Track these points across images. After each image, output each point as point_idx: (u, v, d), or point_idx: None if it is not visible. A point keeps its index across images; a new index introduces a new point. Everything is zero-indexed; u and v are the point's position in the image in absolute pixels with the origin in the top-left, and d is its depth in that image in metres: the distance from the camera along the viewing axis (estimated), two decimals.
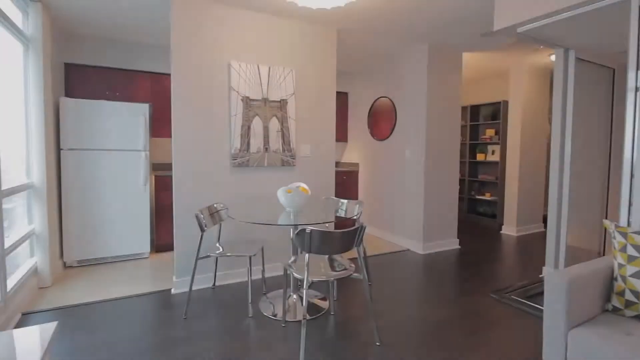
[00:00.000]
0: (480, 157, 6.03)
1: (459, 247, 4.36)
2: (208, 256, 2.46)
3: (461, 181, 6.35)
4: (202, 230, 2.42)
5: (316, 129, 3.45)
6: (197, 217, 2.42)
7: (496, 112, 5.88)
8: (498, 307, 2.67)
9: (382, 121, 4.72)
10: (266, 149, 3.17)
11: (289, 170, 3.32)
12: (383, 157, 4.72)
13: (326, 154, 3.52)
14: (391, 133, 4.55)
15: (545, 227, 5.47)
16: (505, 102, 5.64)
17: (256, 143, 3.12)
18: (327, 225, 3.01)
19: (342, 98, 5.37)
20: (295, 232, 1.97)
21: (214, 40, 2.93)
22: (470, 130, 6.16)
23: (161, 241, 3.96)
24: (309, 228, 1.92)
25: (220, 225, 2.89)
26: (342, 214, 2.95)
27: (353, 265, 2.28)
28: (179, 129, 2.84)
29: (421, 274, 3.39)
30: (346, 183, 5.11)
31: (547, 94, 5.19)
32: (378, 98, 4.79)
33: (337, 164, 5.68)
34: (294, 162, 3.31)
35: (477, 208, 6.24)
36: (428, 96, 3.99)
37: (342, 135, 5.42)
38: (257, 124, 3.11)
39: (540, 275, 3.33)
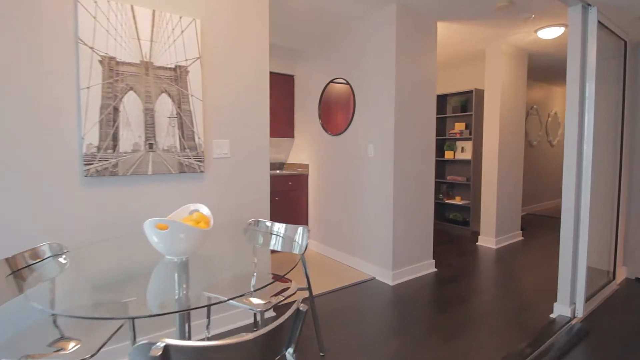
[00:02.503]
0: (448, 154, 5.22)
1: (436, 269, 3.43)
2: None
3: None
4: None
5: (239, 115, 2.27)
6: None
7: (467, 103, 5.10)
8: None
9: (336, 110, 3.66)
10: (150, 145, 1.93)
11: (193, 179, 2.11)
12: (339, 155, 3.66)
13: (257, 153, 2.36)
14: (349, 125, 3.50)
15: (524, 235, 4.77)
16: (479, 91, 4.86)
17: (131, 136, 1.87)
18: (245, 297, 1.88)
19: (286, 82, 4.23)
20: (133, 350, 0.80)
21: None
22: (436, 124, 5.33)
23: None
24: (161, 344, 0.77)
25: (54, 281, 1.61)
26: (277, 246, 1.85)
27: None
28: None
29: (395, 323, 2.36)
30: (292, 190, 3.98)
31: (524, 82, 4.46)
32: (331, 80, 3.71)
33: (282, 165, 4.53)
34: (202, 166, 2.11)
35: (446, 214, 5.44)
36: (397, 75, 2.99)
37: (287, 129, 4.28)
38: (132, 103, 1.87)
39: (551, 316, 2.46)
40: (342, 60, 3.56)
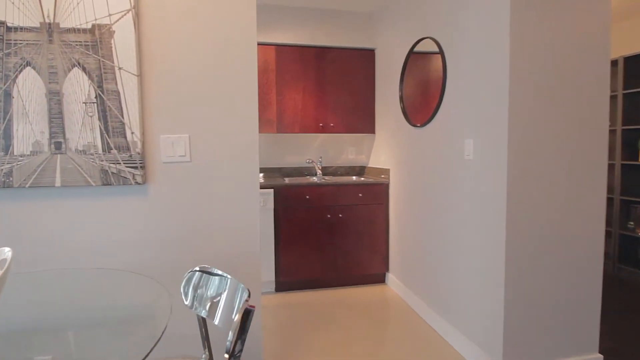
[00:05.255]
0: None
1: None
2: None
3: None
4: None
5: (206, 98, 1.46)
6: None
7: None
8: None
9: (421, 89, 2.42)
10: (57, 144, 1.33)
11: (126, 195, 1.41)
12: (422, 156, 2.41)
13: (237, 156, 1.50)
14: (436, 111, 2.23)
15: None
16: None
17: (30, 132, 1.31)
18: None
19: (365, 60, 3.19)
20: None
21: None
22: (622, 105, 3.25)
23: None
24: None
25: None
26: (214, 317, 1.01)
27: None
28: None
29: None
30: (363, 205, 2.91)
31: None
32: (416, 43, 2.49)
33: (362, 170, 3.50)
34: (141, 175, 1.39)
35: None
36: (513, 29, 1.60)
37: (366, 122, 3.24)
38: (30, 85, 1.30)
39: None
40: (431, 15, 2.30)
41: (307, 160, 3.18)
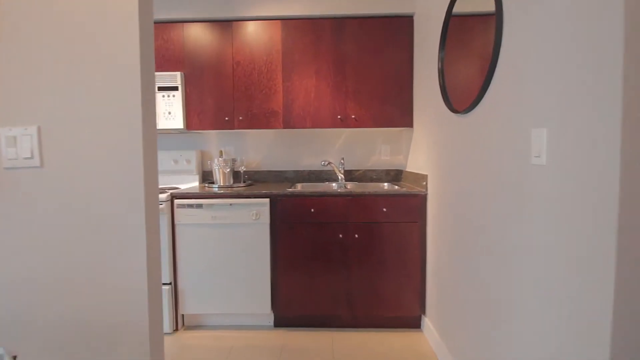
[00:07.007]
0: None
1: None
2: None
3: None
4: None
5: (63, 75, 0.94)
6: None
7: None
8: None
9: (466, 59, 1.60)
10: None
11: None
12: (466, 156, 1.58)
13: (112, 158, 0.96)
14: (486, 87, 1.40)
15: None
16: None
17: None
18: None
19: (399, 31, 2.40)
20: None
21: None
22: None
23: None
24: None
25: None
26: None
27: None
28: None
29: None
30: (387, 223, 2.15)
31: None
32: None
33: (399, 175, 2.71)
34: None
35: None
36: None
37: (402, 112, 2.45)
38: None
39: None
40: None
41: (323, 162, 2.53)
